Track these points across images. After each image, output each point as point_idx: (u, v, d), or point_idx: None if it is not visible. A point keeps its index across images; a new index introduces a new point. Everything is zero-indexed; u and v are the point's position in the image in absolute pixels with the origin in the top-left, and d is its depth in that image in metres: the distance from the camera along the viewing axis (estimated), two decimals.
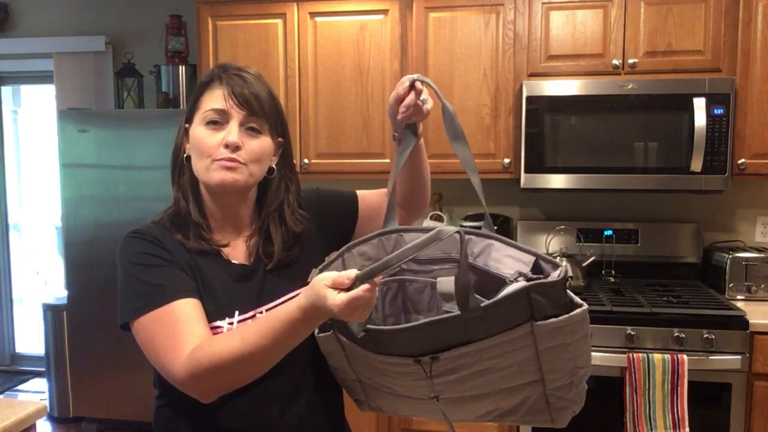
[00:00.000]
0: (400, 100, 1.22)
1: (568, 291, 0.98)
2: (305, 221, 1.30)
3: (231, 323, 1.16)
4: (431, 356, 1.00)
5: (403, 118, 1.22)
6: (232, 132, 1.16)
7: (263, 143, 1.20)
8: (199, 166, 1.19)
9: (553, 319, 0.97)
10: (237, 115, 1.17)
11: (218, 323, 1.16)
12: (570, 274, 0.98)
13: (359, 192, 1.42)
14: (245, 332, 1.03)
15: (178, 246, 1.19)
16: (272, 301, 1.21)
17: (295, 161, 1.52)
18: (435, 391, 1.06)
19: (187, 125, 1.23)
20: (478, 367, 1.01)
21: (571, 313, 0.98)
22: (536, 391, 1.08)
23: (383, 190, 1.43)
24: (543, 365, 1.02)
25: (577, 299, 1.00)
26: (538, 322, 0.97)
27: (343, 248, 1.19)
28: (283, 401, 1.21)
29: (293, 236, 1.27)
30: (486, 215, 1.23)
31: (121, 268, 1.18)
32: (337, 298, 0.92)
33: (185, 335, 1.08)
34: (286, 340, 1.02)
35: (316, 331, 1.14)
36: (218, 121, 1.17)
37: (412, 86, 1.21)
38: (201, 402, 1.10)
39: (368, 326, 1.02)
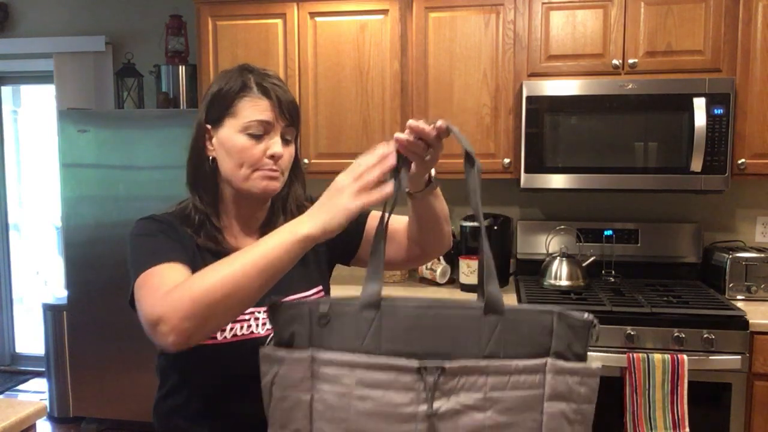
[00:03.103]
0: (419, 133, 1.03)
1: (588, 343, 0.96)
2: None
3: None
4: (437, 366, 0.93)
5: (405, 140, 1.03)
6: (278, 144, 1.19)
7: (293, 151, 1.24)
8: (238, 174, 1.19)
9: (567, 363, 0.94)
10: (279, 127, 1.20)
11: None
12: (596, 324, 0.95)
13: (374, 212, 1.32)
14: (229, 259, 1.01)
15: (188, 237, 1.21)
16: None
17: None
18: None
19: (208, 126, 1.22)
20: (481, 396, 0.94)
21: (586, 364, 0.95)
22: None
23: (402, 218, 1.34)
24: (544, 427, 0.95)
25: (594, 363, 0.97)
26: (552, 360, 0.94)
27: None
28: None
29: None
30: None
31: (130, 245, 1.19)
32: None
33: (169, 279, 1.05)
34: (275, 254, 0.98)
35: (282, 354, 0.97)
36: (261, 133, 1.19)
37: (446, 131, 1.05)
38: (195, 386, 1.13)
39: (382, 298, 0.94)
